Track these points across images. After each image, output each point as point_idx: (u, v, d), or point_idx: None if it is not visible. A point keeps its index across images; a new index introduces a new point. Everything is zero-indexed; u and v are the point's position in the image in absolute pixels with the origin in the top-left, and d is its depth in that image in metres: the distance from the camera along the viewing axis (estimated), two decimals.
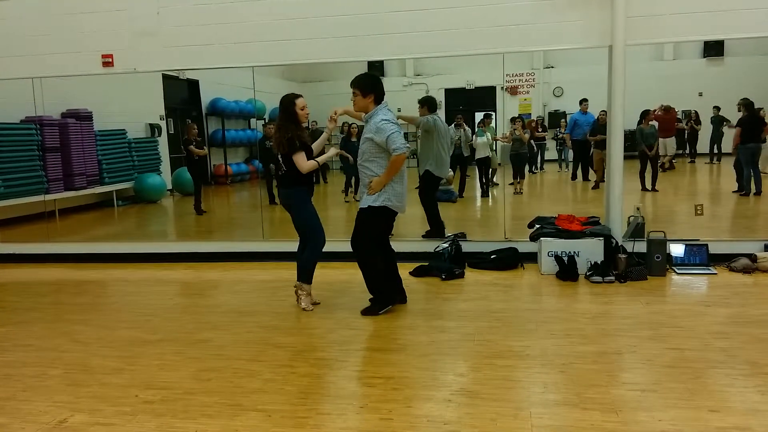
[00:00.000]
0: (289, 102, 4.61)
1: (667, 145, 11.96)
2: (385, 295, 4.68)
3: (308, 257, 4.78)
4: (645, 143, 10.38)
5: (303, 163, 4.55)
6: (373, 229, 4.58)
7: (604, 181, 10.90)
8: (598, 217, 6.22)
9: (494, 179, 11.43)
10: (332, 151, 5.00)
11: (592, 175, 11.45)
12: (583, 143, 11.76)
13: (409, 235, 7.01)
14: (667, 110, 12.01)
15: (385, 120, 4.37)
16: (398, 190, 4.52)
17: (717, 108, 13.24)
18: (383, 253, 4.70)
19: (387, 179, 4.42)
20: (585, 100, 11.88)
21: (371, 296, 4.69)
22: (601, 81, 6.11)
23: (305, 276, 4.81)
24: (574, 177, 12.29)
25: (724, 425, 2.79)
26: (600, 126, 10.73)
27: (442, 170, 7.01)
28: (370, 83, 4.45)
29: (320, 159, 4.76)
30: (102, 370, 3.72)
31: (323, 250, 4.77)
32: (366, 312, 4.60)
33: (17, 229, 8.19)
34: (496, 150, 11.08)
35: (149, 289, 5.75)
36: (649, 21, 5.73)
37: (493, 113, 12.30)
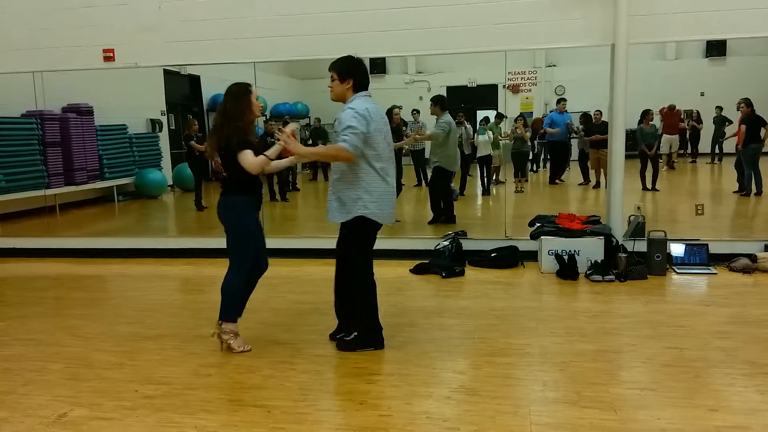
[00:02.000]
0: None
1: (672, 143, 12.13)
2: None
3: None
4: (645, 143, 10.38)
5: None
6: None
7: (587, 180, 11.07)
8: (598, 216, 6.22)
9: (498, 177, 11.41)
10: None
11: (572, 178, 11.48)
12: (559, 143, 11.77)
13: (409, 233, 7.01)
14: (672, 108, 12.29)
15: (352, 108, 3.60)
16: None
17: (719, 108, 13.23)
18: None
19: (314, 155, 3.93)
20: (563, 99, 11.93)
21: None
22: (603, 80, 6.10)
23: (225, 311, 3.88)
24: (552, 180, 12.06)
25: (724, 425, 2.79)
26: (595, 125, 10.76)
27: (454, 166, 7.74)
28: (349, 66, 3.72)
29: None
30: (102, 364, 3.72)
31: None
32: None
33: (18, 223, 8.20)
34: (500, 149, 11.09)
35: (149, 285, 5.76)
36: (652, 20, 5.72)
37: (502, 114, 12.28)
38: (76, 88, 9.85)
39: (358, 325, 3.84)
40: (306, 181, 13.65)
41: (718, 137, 13.40)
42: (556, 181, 11.85)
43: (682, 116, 12.70)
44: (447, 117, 7.51)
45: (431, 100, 7.60)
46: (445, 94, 15.38)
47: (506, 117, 11.87)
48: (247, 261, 3.82)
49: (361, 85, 3.73)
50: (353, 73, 3.70)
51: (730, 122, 12.53)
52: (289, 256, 6.10)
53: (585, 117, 11.34)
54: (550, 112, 12.42)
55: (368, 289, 3.82)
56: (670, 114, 12.17)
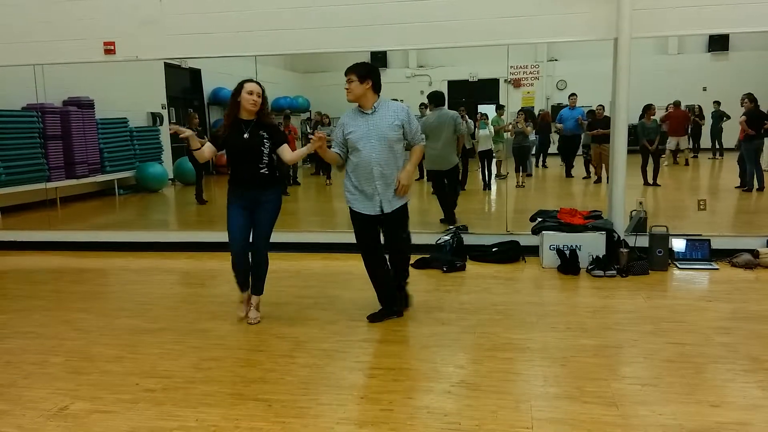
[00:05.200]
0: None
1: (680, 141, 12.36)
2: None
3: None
4: (646, 138, 10.37)
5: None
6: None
7: (592, 176, 11.06)
8: (600, 211, 6.21)
9: (501, 170, 11.37)
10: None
11: (576, 171, 11.44)
12: (570, 138, 11.74)
13: (410, 227, 6.99)
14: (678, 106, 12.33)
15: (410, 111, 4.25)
16: None
17: (717, 103, 13.22)
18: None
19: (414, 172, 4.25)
20: (573, 94, 11.86)
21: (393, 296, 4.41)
22: (605, 74, 6.07)
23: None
24: (568, 174, 12.10)
25: (725, 420, 2.78)
26: (598, 120, 10.72)
27: (432, 164, 7.27)
28: (367, 68, 4.10)
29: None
30: (102, 358, 3.72)
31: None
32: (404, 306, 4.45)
33: (18, 216, 8.20)
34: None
35: (150, 278, 5.75)
36: (655, 14, 5.69)
37: (504, 106, 12.24)
38: (77, 82, 9.84)
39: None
40: (307, 175, 13.63)
41: (716, 132, 13.43)
42: (572, 175, 11.81)
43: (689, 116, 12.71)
44: (428, 113, 7.23)
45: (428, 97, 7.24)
46: (446, 89, 15.40)
47: (504, 106, 11.83)
48: None
49: (378, 86, 4.12)
50: (371, 73, 4.08)
51: (728, 117, 12.55)
52: (290, 251, 6.09)
53: (591, 114, 11.29)
54: (563, 108, 12.35)
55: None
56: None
